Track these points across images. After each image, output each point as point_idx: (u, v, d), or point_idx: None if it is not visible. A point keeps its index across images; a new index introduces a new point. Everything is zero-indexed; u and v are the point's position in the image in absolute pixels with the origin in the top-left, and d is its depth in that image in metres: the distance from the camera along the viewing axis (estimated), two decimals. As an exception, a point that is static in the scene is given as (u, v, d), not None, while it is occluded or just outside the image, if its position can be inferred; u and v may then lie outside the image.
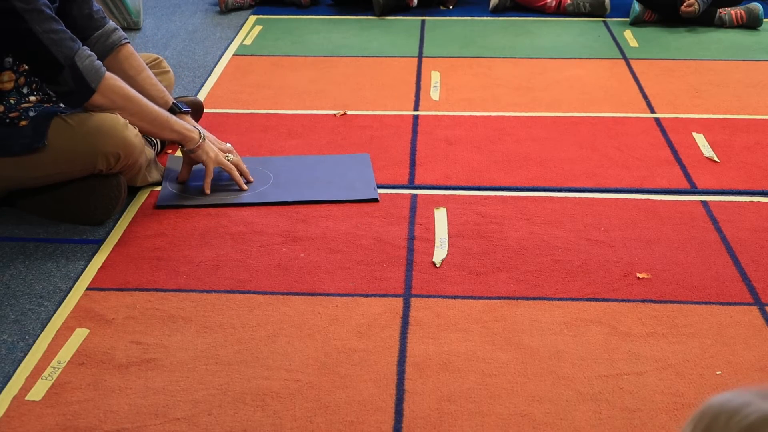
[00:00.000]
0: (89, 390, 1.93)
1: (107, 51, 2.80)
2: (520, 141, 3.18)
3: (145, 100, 2.68)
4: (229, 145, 2.88)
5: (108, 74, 2.58)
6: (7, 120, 2.50)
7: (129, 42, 2.88)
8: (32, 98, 2.61)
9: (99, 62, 2.56)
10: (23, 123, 2.51)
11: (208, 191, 2.76)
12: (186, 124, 2.75)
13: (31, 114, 2.53)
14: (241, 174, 2.83)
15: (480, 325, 2.16)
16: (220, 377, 1.97)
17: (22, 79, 2.61)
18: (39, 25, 2.42)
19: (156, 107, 2.71)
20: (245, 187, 2.80)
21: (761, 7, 4.54)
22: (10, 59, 2.56)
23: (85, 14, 2.76)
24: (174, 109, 2.83)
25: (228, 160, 2.81)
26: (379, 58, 4.08)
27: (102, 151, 2.54)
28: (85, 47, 2.54)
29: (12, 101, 2.55)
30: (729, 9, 4.55)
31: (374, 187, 2.81)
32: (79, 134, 2.53)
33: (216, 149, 2.80)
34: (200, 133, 2.76)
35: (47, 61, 2.46)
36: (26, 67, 2.61)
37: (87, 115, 2.58)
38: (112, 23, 2.85)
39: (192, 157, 2.78)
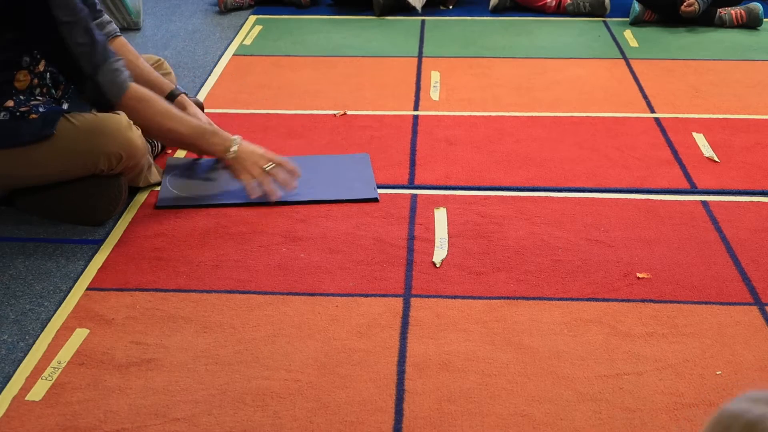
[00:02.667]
0: (89, 390, 1.93)
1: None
2: (520, 141, 3.18)
3: (170, 121, 2.63)
4: (263, 149, 2.77)
5: (131, 92, 2.56)
6: (18, 113, 2.52)
7: (121, 35, 2.94)
8: (40, 98, 2.62)
9: (124, 77, 2.55)
10: (33, 116, 2.53)
11: (252, 196, 2.69)
12: (216, 142, 2.69)
13: (41, 110, 2.55)
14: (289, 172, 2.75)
15: (480, 325, 2.16)
16: (220, 377, 1.97)
17: (36, 80, 2.64)
18: (72, 36, 2.47)
19: (184, 126, 2.65)
20: (294, 185, 2.73)
21: (761, 7, 4.54)
22: (28, 59, 2.59)
23: (90, 3, 2.77)
24: (174, 93, 2.85)
25: (268, 168, 2.72)
26: (379, 58, 4.08)
27: (104, 151, 2.54)
28: (116, 60, 2.54)
29: (21, 98, 2.57)
30: (729, 9, 4.54)
31: (374, 187, 2.81)
32: (83, 133, 2.54)
33: (254, 158, 2.72)
34: (230, 150, 2.70)
35: (74, 70, 2.52)
36: (41, 69, 2.64)
37: (91, 116, 2.59)
38: (106, 16, 2.90)
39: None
